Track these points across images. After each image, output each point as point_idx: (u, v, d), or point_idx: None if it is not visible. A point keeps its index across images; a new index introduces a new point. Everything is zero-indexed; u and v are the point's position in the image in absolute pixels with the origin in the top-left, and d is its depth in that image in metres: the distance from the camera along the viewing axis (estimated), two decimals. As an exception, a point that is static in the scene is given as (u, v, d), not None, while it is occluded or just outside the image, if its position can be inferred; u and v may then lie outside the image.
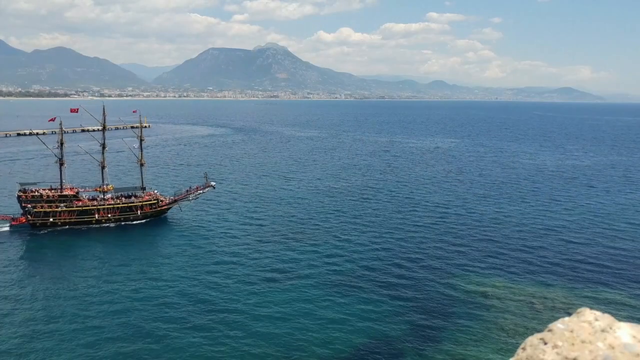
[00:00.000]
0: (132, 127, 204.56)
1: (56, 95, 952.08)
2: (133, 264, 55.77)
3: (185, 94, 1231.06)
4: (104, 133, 78.41)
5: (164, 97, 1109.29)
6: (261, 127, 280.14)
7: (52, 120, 79.51)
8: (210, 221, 73.90)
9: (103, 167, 76.08)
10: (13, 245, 62.86)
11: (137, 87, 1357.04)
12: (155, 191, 79.71)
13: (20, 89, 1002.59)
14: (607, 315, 2.52)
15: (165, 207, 76.96)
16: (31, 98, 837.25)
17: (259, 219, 74.50)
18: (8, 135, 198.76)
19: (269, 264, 55.61)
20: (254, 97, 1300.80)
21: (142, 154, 79.21)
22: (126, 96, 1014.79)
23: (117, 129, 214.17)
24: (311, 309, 44.03)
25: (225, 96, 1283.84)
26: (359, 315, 42.93)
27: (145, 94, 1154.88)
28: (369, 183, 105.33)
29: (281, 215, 76.81)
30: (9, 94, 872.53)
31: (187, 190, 78.75)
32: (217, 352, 36.89)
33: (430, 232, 68.78)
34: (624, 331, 2.42)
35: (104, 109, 78.66)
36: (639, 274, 53.21)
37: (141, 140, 79.48)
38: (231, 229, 69.70)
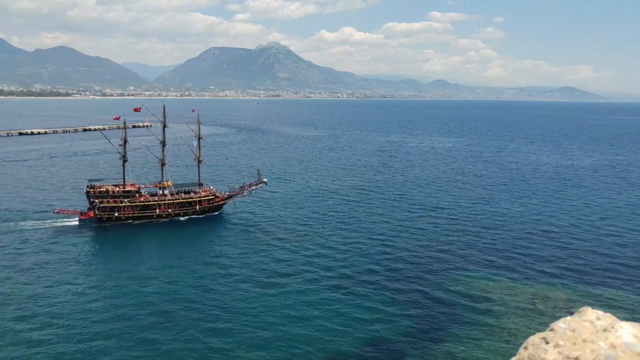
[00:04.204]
0: (133, 127, 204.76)
1: (58, 94, 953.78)
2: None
3: (187, 93, 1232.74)
4: (164, 131, 78.83)
5: (166, 96, 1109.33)
6: (262, 127, 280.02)
7: (117, 119, 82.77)
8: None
9: (163, 164, 77.93)
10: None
11: (139, 86, 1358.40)
12: (212, 187, 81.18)
13: (22, 88, 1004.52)
14: (608, 315, 2.52)
15: (222, 202, 78.73)
16: (33, 97, 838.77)
17: (267, 221, 74.59)
18: (10, 134, 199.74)
19: (272, 264, 55.64)
20: (255, 96, 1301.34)
21: (199, 152, 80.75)
22: (128, 95, 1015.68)
23: (118, 128, 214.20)
24: (312, 310, 43.97)
25: (227, 95, 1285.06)
26: (360, 315, 42.85)
27: (147, 93, 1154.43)
28: (370, 184, 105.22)
29: (286, 216, 76.80)
30: (11, 93, 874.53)
31: (241, 187, 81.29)
32: (216, 351, 36.88)
33: (432, 232, 68.66)
34: (626, 330, 2.42)
35: (164, 108, 79.47)
36: (641, 273, 53.05)
37: (199, 139, 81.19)
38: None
